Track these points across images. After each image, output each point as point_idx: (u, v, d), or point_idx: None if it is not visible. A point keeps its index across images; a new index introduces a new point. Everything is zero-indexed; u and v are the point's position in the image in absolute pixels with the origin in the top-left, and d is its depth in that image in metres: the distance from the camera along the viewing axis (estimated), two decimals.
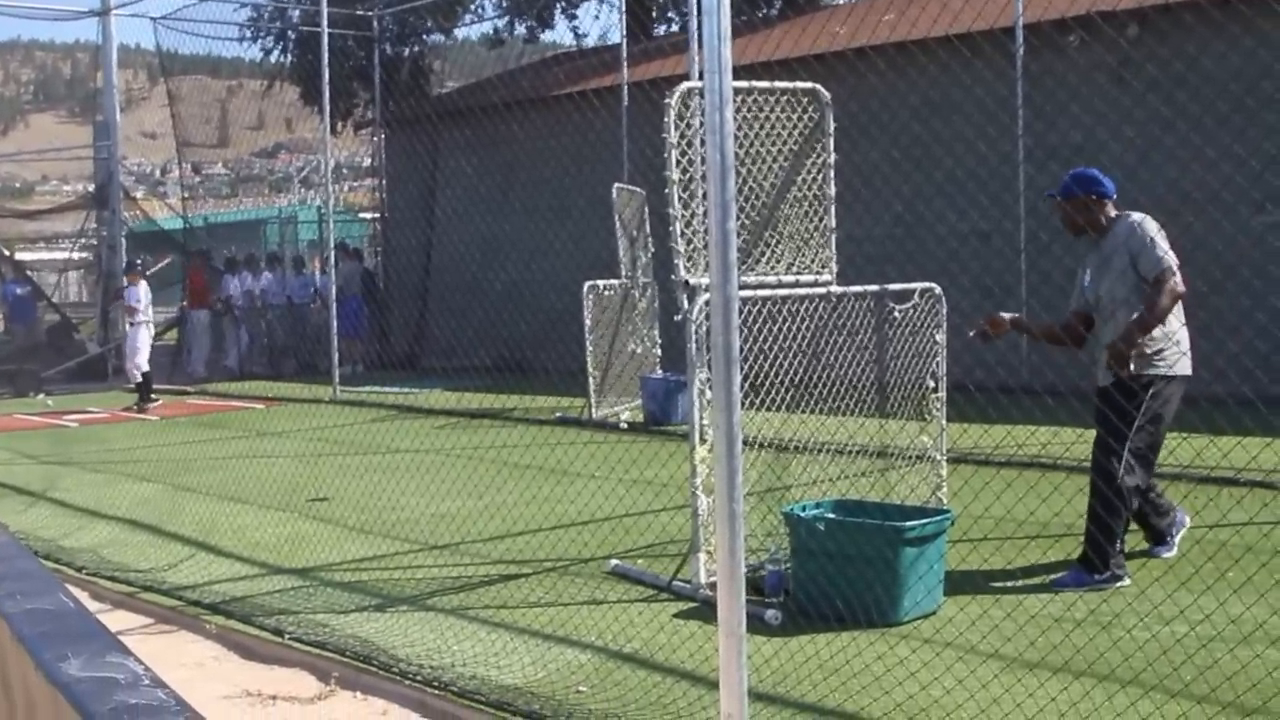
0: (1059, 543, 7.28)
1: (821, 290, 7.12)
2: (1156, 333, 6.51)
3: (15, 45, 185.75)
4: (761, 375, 7.00)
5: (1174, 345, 6.58)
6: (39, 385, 21.06)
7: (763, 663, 5.50)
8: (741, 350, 4.00)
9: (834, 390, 7.40)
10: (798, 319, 7.11)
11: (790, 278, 7.07)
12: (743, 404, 4.00)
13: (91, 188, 25.30)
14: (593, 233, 17.21)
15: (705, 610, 6.25)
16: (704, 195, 6.10)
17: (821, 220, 7.19)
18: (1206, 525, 7.37)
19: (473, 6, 28.42)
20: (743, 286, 5.88)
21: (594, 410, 14.06)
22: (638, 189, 14.80)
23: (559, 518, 8.88)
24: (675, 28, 26.41)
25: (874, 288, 7.38)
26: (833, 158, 7.18)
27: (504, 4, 28.20)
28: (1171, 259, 6.52)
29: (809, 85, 7.20)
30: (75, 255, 27.84)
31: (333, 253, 20.19)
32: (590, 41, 27.63)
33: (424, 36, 26.98)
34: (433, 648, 6.08)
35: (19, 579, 2.81)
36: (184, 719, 1.87)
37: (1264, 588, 6.04)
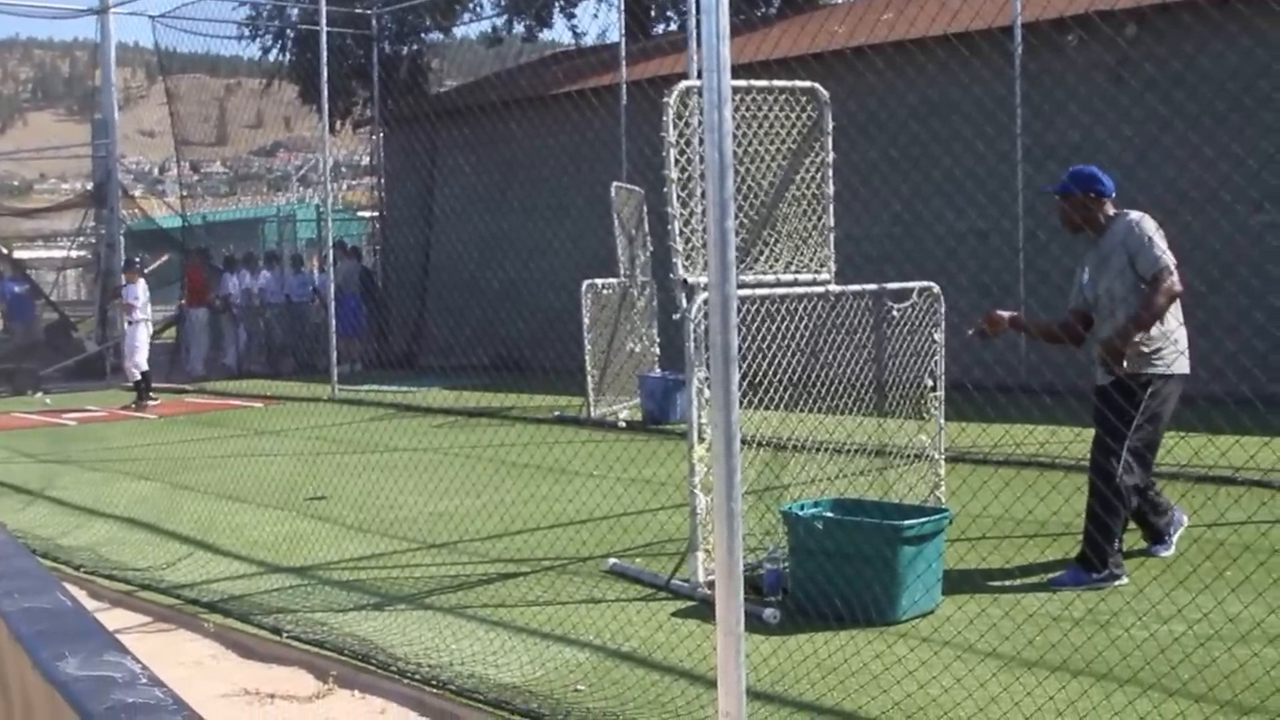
0: (1057, 541, 7.28)
1: (820, 289, 7.12)
2: (1154, 332, 6.52)
3: (14, 43, 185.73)
4: (760, 374, 7.00)
5: (1172, 345, 6.58)
6: (37, 383, 21.05)
7: (761, 661, 5.50)
8: (740, 349, 4.00)
9: (832, 389, 7.40)
10: (796, 318, 7.11)
11: (789, 276, 7.07)
12: (741, 403, 4.00)
13: (90, 186, 25.28)
14: (591, 231, 17.21)
15: (703, 609, 6.25)
16: (702, 194, 6.10)
17: (820, 219, 7.19)
18: (1204, 524, 7.37)
19: (471, 5, 28.44)
20: (741, 285, 5.88)
21: (592, 409, 14.06)
22: (636, 188, 14.80)
23: (557, 516, 8.88)
24: (674, 26, 26.41)
25: (872, 287, 7.38)
26: (831, 157, 7.18)
27: (502, 3, 28.19)
28: (1169, 258, 6.52)
29: (807, 84, 7.20)
30: (74, 254, 27.81)
31: (331, 251, 20.18)
32: (589, 40, 27.66)
33: (422, 35, 26.97)
34: (431, 646, 6.08)
35: (16, 577, 2.81)
36: (182, 718, 1.87)
37: (1261, 587, 6.04)
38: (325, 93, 18.89)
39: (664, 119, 6.59)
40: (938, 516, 6.33)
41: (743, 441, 4.07)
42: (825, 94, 7.19)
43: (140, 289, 18.64)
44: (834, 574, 6.08)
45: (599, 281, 14.31)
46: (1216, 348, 8.95)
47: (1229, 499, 8.02)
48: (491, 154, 21.24)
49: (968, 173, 14.43)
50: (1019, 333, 7.64)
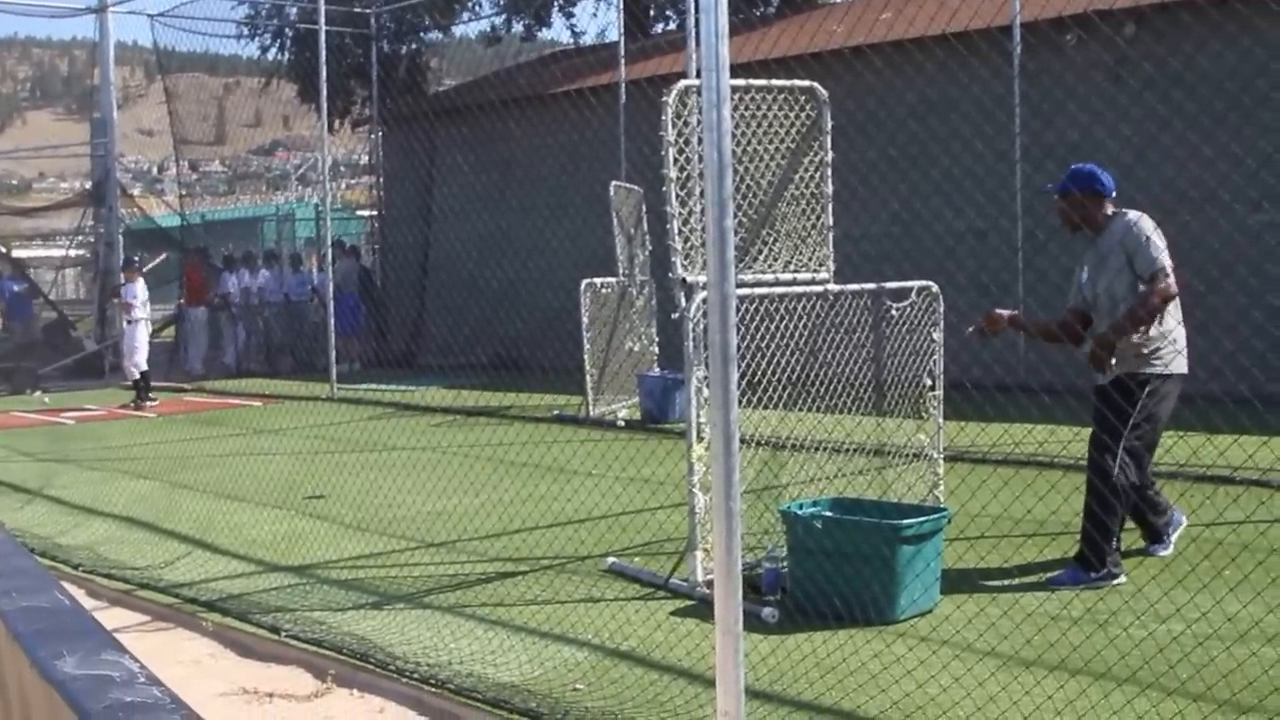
0: (1055, 541, 7.28)
1: (819, 288, 7.12)
2: (1153, 332, 6.52)
3: (12, 42, 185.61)
4: (759, 373, 7.00)
5: (1170, 344, 6.58)
6: (36, 382, 21.05)
7: (759, 661, 5.50)
8: (738, 348, 4.00)
9: (831, 388, 7.40)
10: (795, 317, 7.11)
11: (787, 276, 7.07)
12: (740, 402, 4.00)
13: (88, 185, 25.26)
14: (590, 231, 17.21)
15: (702, 608, 6.25)
16: (701, 193, 6.10)
17: (819, 218, 7.19)
18: (1203, 523, 7.37)
19: (470, 4, 28.44)
20: (740, 284, 5.88)
21: (591, 408, 14.06)
22: (635, 187, 14.80)
23: (556, 515, 8.88)
24: (673, 26, 26.40)
25: (871, 286, 7.38)
26: (830, 156, 7.18)
27: (501, 2, 28.19)
28: (1166, 259, 6.52)
29: (806, 83, 7.20)
30: (72, 252, 27.81)
31: (330, 250, 20.17)
32: (587, 39, 27.66)
33: (421, 34, 26.97)
34: (430, 645, 6.08)
35: (14, 576, 2.81)
36: (180, 717, 1.86)
37: (1260, 586, 6.04)
38: (324, 91, 18.88)
39: (663, 118, 6.59)
40: (936, 516, 6.33)
41: (741, 441, 4.07)
42: (824, 93, 7.19)
43: (139, 288, 18.65)
44: (833, 573, 6.08)
45: (598, 280, 14.31)
46: (1215, 347, 8.96)
47: (1227, 498, 8.02)
48: (490, 153, 21.23)
49: (966, 172, 14.44)
50: (1018, 331, 7.64)
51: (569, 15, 27.86)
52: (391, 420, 15.48)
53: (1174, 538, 7.08)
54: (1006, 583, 6.70)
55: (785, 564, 6.46)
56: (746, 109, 6.92)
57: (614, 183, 14.76)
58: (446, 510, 9.33)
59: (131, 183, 40.06)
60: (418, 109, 23.10)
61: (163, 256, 25.31)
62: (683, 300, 6.67)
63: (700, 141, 5.18)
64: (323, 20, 19.09)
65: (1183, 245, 7.27)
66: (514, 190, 21.24)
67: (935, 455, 7.42)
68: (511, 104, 20.23)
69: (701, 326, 6.45)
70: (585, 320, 14.05)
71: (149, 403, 18.22)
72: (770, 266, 7.07)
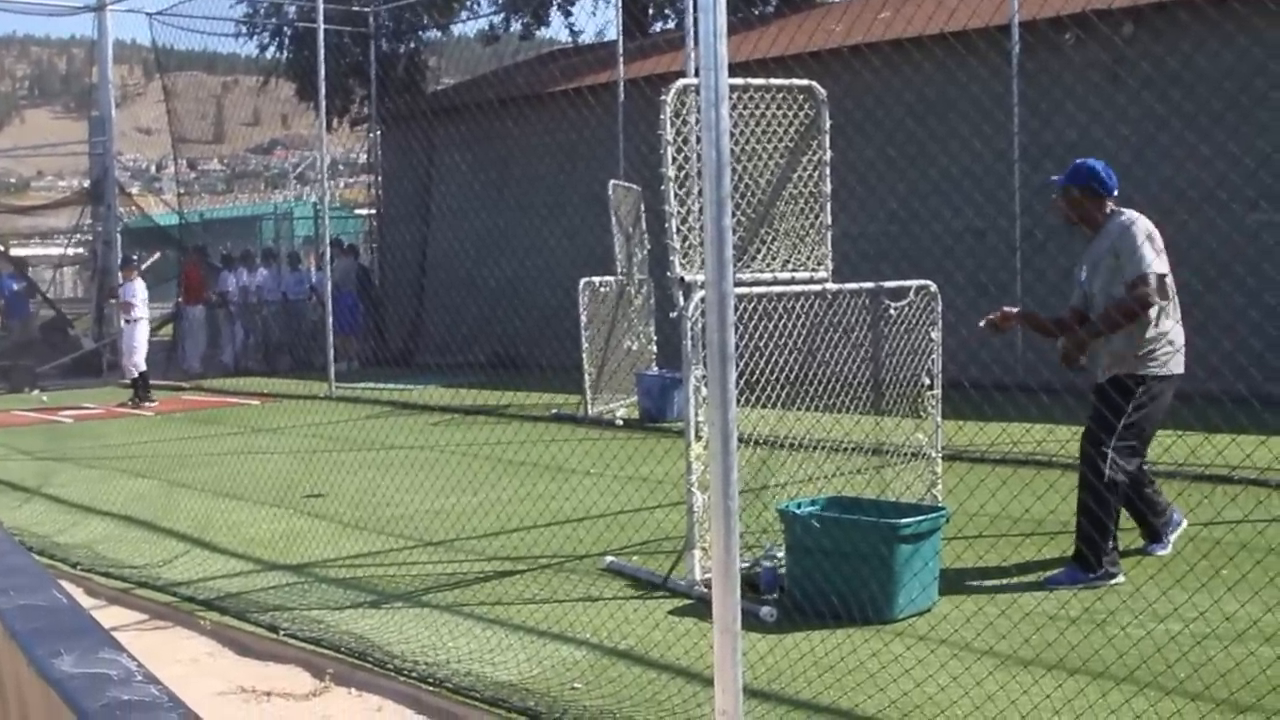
0: (1053, 540, 7.28)
1: (817, 287, 7.12)
2: (1150, 332, 6.52)
3: (11, 40, 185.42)
4: (757, 372, 7.00)
5: (1167, 344, 6.58)
6: (34, 381, 21.04)
7: (758, 660, 5.50)
8: (737, 347, 4.00)
9: (829, 387, 7.40)
10: (793, 316, 7.12)
11: (786, 275, 7.07)
12: (738, 401, 4.00)
13: (87, 183, 25.24)
14: (588, 229, 17.21)
15: (700, 607, 6.25)
16: (700, 192, 6.10)
17: (817, 217, 7.19)
18: (1201, 523, 7.38)
19: (468, 3, 28.41)
20: (738, 283, 5.88)
21: (589, 407, 14.06)
22: (634, 186, 14.80)
23: (554, 514, 8.88)
24: (671, 25, 26.39)
25: (869, 285, 7.38)
26: (828, 155, 7.18)
27: (500, 1, 28.17)
28: (1158, 265, 6.49)
29: (805, 82, 7.20)
30: (70, 251, 27.79)
31: (328, 249, 20.17)
32: (586, 38, 27.65)
33: (420, 33, 26.95)
34: (428, 644, 6.08)
35: (12, 575, 2.81)
36: (177, 715, 1.86)
37: (1258, 585, 6.05)
38: (322, 90, 18.88)
39: (661, 117, 6.59)
40: (934, 515, 6.33)
41: (740, 440, 4.07)
42: (823, 92, 7.19)
43: (138, 287, 18.64)
44: (831, 572, 6.08)
45: (596, 279, 14.30)
46: (1213, 346, 8.96)
47: (1225, 498, 8.03)
48: (489, 152, 21.23)
49: (965, 171, 14.44)
50: (1028, 327, 7.63)
51: (567, 14, 27.82)
52: (389, 419, 15.48)
53: (1173, 538, 7.09)
54: (1004, 582, 6.70)
55: (783, 563, 6.46)
56: (745, 108, 6.92)
57: (612, 181, 14.75)
58: (445, 509, 9.33)
59: (130, 181, 40.06)
60: (416, 108, 23.09)
61: (156, 255, 25.29)
62: (681, 299, 6.67)
63: (699, 140, 5.18)
64: (321, 19, 19.09)
65: (1180, 244, 7.27)
66: (512, 189, 21.24)
67: (933, 454, 7.42)
68: (510, 103, 20.23)
69: (700, 325, 6.45)
70: (583, 319, 14.04)
71: (148, 403, 18.21)
72: (769, 265, 7.07)
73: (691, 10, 8.11)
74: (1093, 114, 13.93)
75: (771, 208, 7.09)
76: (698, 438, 6.56)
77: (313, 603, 6.99)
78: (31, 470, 12.29)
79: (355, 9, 23.88)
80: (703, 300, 5.04)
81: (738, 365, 4.01)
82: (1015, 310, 7.14)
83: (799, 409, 7.32)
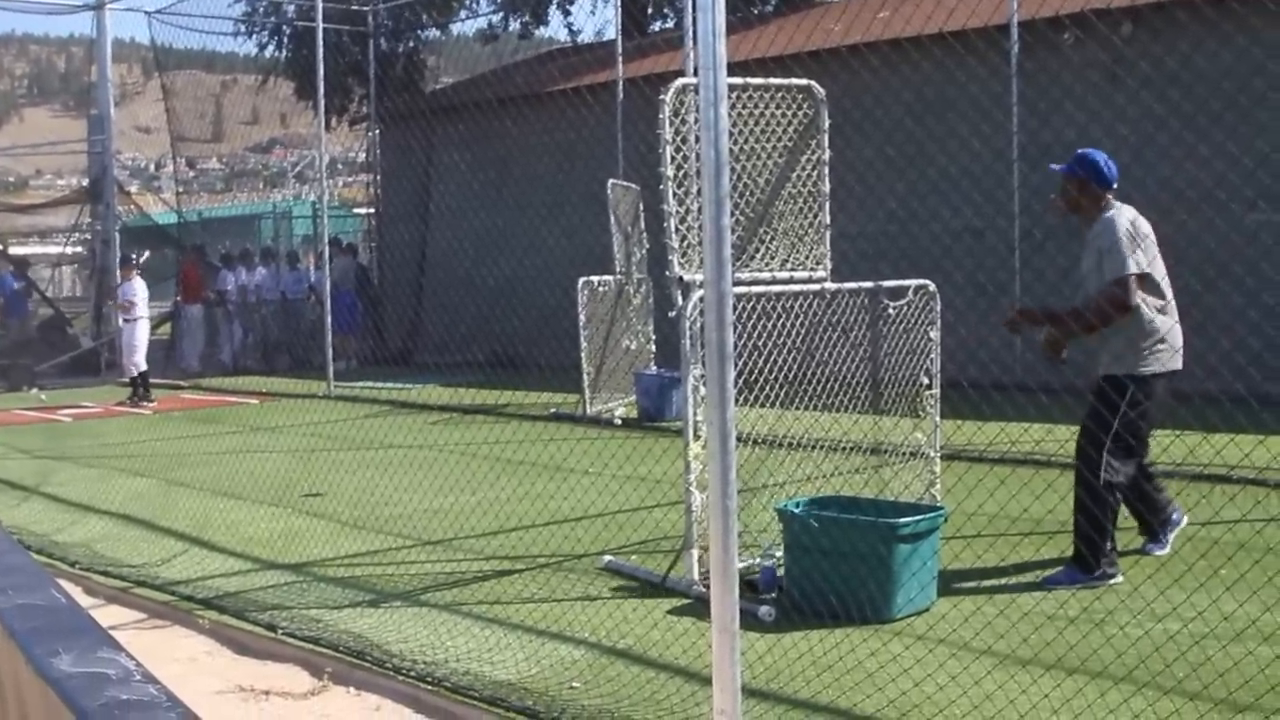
0: (1052, 540, 7.29)
1: (816, 287, 7.12)
2: (1146, 330, 6.50)
3: (10, 39, 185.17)
4: (756, 371, 7.00)
5: (1162, 342, 6.57)
6: (32, 379, 21.04)
7: (756, 659, 5.50)
8: (735, 346, 4.00)
9: (828, 386, 7.40)
10: (792, 315, 7.12)
11: (784, 274, 7.07)
12: (736, 400, 4.00)
13: (85, 182, 25.22)
14: (587, 229, 17.20)
15: (699, 606, 6.25)
16: (698, 191, 6.10)
17: (816, 217, 7.19)
18: (1199, 522, 7.38)
19: (467, 2, 28.41)
20: (737, 283, 5.89)
21: (588, 406, 14.05)
22: (632, 185, 14.80)
23: (553, 513, 8.87)
24: (670, 24, 26.39)
25: (868, 284, 7.38)
26: (827, 154, 7.18)
27: (498, 0, 28.15)
28: (1136, 264, 6.44)
29: (803, 82, 7.20)
30: (69, 250, 27.77)
31: (327, 248, 20.17)
32: (585, 38, 27.64)
33: (419, 32, 26.95)
34: (426, 643, 6.08)
35: (10, 574, 2.80)
36: (175, 714, 1.86)
37: (1256, 585, 6.05)
38: (321, 89, 18.87)
39: (660, 116, 6.59)
40: (933, 514, 6.33)
41: (738, 439, 4.07)
42: (821, 91, 7.19)
43: (138, 286, 18.63)
44: (829, 571, 6.08)
45: (595, 279, 14.30)
46: (1211, 346, 8.96)
47: (1224, 497, 8.03)
48: (487, 151, 21.23)
49: (963, 171, 14.44)
50: (1036, 321, 7.59)
51: (566, 13, 27.80)
52: (388, 418, 15.47)
53: (1171, 537, 7.08)
54: (1003, 582, 6.70)
55: (782, 562, 6.46)
56: (744, 107, 6.92)
57: (611, 181, 14.75)
58: (443, 508, 9.33)
59: (129, 180, 40.02)
60: (415, 107, 23.08)
61: (146, 254, 25.27)
62: (680, 298, 6.67)
63: (698, 140, 5.18)
64: (320, 18, 19.08)
65: (1179, 244, 7.27)
66: (511, 188, 21.23)
67: (932, 454, 7.43)
68: (509, 102, 20.22)
69: (698, 325, 6.45)
70: (582, 318, 14.04)
71: (147, 402, 18.20)
72: (767, 265, 7.07)
73: (690, 9, 8.09)
74: (1091, 113, 13.93)
75: (770, 207, 7.09)
76: (696, 437, 6.56)
77: (311, 602, 6.99)
78: (30, 469, 12.29)
79: (354, 8, 23.87)
80: (701, 299, 5.04)
81: (736, 364, 4.01)
82: (1029, 309, 7.11)
83: (797, 408, 7.32)
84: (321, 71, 18.70)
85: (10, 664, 2.44)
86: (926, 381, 7.40)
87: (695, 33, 4.05)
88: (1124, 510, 6.82)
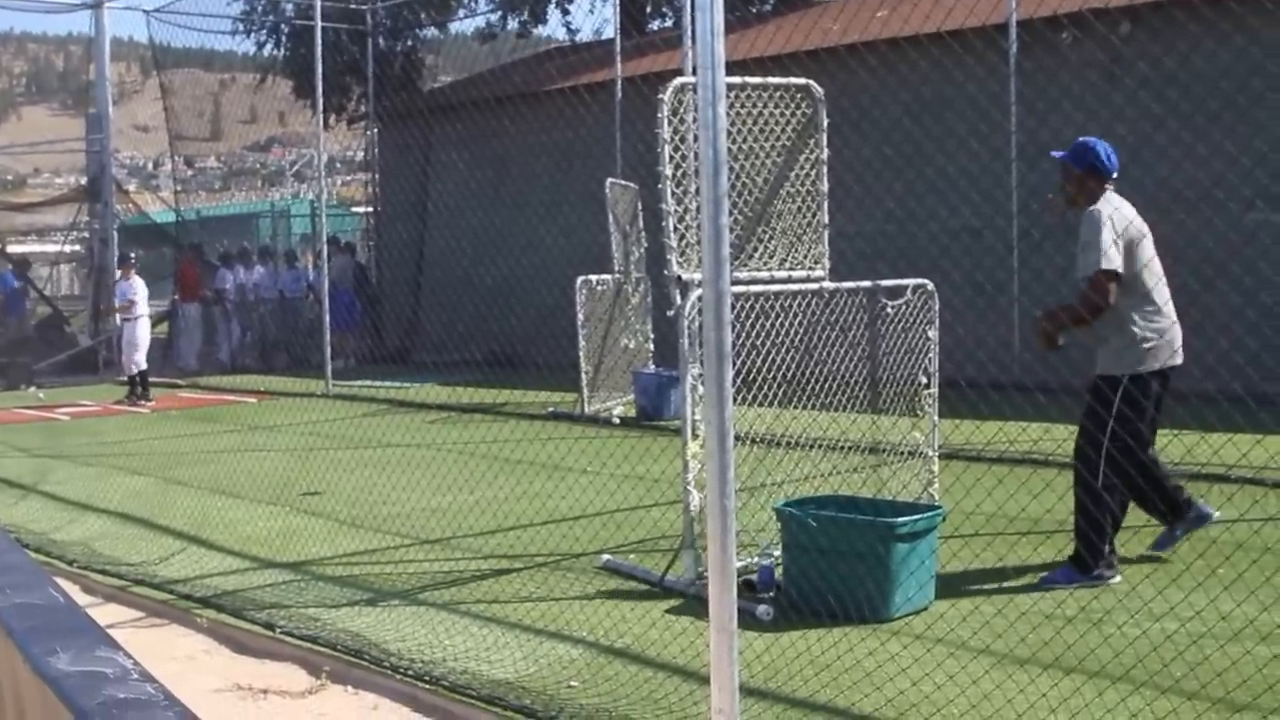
0: (1050, 539, 7.29)
1: (814, 286, 7.12)
2: (1137, 329, 6.48)
3: (8, 37, 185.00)
4: (754, 371, 7.00)
5: (1156, 340, 6.54)
6: (30, 378, 21.03)
7: (754, 658, 5.50)
8: (734, 346, 4.00)
9: (826, 386, 7.40)
10: (790, 315, 7.12)
11: (783, 273, 7.07)
12: (735, 399, 4.00)
13: (84, 181, 25.22)
14: (585, 228, 17.20)
15: (697, 605, 6.25)
16: (697, 191, 6.10)
17: (814, 216, 7.19)
18: None
19: (466, 1, 28.40)
20: (735, 282, 5.88)
21: (586, 405, 14.05)
22: (631, 184, 14.80)
23: (551, 513, 8.88)
24: (669, 23, 26.38)
25: (866, 284, 7.39)
26: (825, 153, 7.18)
27: None
28: (1109, 261, 6.37)
29: (802, 81, 7.20)
30: (67, 248, 27.76)
31: (325, 247, 20.16)
32: (583, 37, 27.62)
33: (417, 30, 26.94)
34: (424, 642, 6.08)
35: (8, 573, 2.81)
36: (173, 713, 1.86)
37: (1254, 584, 6.05)
38: (320, 88, 18.86)
39: (659, 115, 6.59)
40: (931, 514, 6.33)
41: (736, 438, 4.07)
42: (820, 91, 7.19)
43: (137, 284, 18.62)
44: (827, 571, 6.09)
45: (593, 278, 14.30)
46: (1209, 345, 8.95)
47: (1221, 497, 8.03)
48: (486, 150, 21.22)
49: (961, 170, 14.44)
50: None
51: (565, 12, 27.79)
52: (386, 417, 15.47)
53: (1180, 536, 6.92)
54: (1000, 581, 6.70)
55: (780, 561, 6.47)
56: (742, 106, 6.92)
57: (609, 180, 14.75)
58: (441, 507, 9.33)
59: (127, 178, 40.02)
60: (413, 105, 23.07)
61: (139, 253, 25.26)
62: (678, 297, 6.67)
63: (696, 139, 5.18)
64: (319, 16, 19.08)
65: (1177, 244, 7.27)
66: (509, 187, 21.22)
67: (930, 453, 7.43)
68: (507, 101, 20.21)
69: (697, 324, 6.45)
70: (581, 317, 14.04)
71: (146, 401, 18.19)
72: (766, 264, 7.07)
73: (689, 9, 8.10)
74: (1090, 113, 13.92)
75: (769, 206, 7.09)
76: (694, 436, 6.56)
77: (309, 600, 6.99)
78: (28, 467, 12.29)
79: (352, 6, 23.86)
80: (700, 299, 5.04)
81: (735, 364, 4.01)
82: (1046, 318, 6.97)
83: (796, 407, 7.32)
84: (320, 70, 18.69)
85: (8, 662, 2.44)
86: (924, 381, 7.40)
87: (694, 32, 4.05)
88: (1124, 513, 6.79)
